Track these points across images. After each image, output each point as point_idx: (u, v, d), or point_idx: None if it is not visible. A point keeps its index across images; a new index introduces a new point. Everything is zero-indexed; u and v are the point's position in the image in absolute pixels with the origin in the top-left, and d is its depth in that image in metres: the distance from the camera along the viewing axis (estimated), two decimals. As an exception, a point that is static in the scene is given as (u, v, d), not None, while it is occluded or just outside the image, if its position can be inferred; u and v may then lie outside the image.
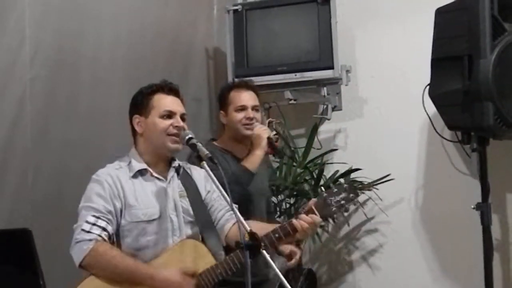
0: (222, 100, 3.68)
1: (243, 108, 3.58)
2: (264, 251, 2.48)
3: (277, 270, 2.48)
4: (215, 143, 3.68)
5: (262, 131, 3.55)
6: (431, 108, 4.11)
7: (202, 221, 3.03)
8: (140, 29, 4.17)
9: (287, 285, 2.43)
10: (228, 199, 2.55)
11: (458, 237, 4.40)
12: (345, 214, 3.06)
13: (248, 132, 3.57)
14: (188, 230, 2.99)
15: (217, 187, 2.64)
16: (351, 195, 2.96)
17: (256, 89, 3.70)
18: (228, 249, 3.04)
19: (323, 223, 3.90)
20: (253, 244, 2.41)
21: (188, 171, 3.11)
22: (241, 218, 2.52)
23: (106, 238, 2.78)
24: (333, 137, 4.81)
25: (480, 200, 3.98)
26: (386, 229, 4.68)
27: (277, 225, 2.94)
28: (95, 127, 3.75)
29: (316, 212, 2.90)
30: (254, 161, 3.49)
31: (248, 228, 2.47)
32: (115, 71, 3.92)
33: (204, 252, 2.90)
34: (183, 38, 4.57)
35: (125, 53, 4.02)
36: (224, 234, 3.06)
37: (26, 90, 3.40)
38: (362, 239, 4.74)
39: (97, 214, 2.78)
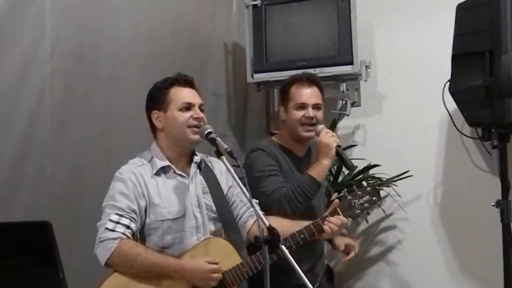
0: (283, 95, 3.51)
1: (303, 106, 3.39)
2: (283, 247, 2.48)
3: (299, 270, 2.47)
4: (274, 138, 3.54)
5: (331, 140, 3.29)
6: (451, 104, 4.08)
7: (225, 217, 3.03)
8: (159, 24, 4.17)
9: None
10: (248, 194, 2.54)
11: (477, 235, 4.36)
12: (368, 216, 3.04)
13: (306, 135, 3.40)
14: (211, 227, 3.00)
15: (238, 183, 2.64)
16: (374, 198, 2.98)
17: (320, 84, 3.49)
18: (250, 246, 3.04)
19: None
20: (272, 239, 2.41)
21: (209, 165, 3.10)
22: (260, 213, 2.51)
23: (130, 235, 2.78)
24: (352, 133, 4.78)
25: (500, 197, 3.94)
26: (405, 225, 4.65)
27: (302, 225, 2.95)
28: (113, 121, 3.75)
29: (341, 214, 2.92)
30: (321, 171, 3.27)
31: (267, 223, 2.46)
32: (133, 66, 3.93)
33: (230, 250, 2.91)
34: (202, 33, 4.56)
35: (143, 48, 4.02)
36: (246, 230, 3.07)
37: (45, 84, 3.41)
38: (381, 236, 4.71)
39: (120, 213, 2.78)
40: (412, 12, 4.61)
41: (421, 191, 4.59)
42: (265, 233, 2.41)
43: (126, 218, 2.78)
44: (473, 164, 4.44)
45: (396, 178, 4.28)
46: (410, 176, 4.35)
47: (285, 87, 3.51)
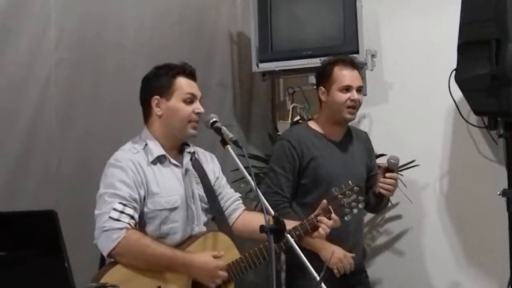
0: (324, 76, 3.48)
1: (348, 89, 3.40)
2: (288, 236, 2.48)
3: (303, 257, 2.48)
4: (310, 124, 3.57)
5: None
6: (457, 93, 4.07)
7: (216, 208, 3.02)
8: (164, 14, 4.16)
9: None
10: (254, 183, 2.54)
11: (484, 224, 4.35)
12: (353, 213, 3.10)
13: (350, 117, 3.45)
14: (204, 217, 3.00)
15: (242, 171, 2.64)
16: (360, 197, 3.00)
17: (359, 68, 3.54)
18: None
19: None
20: (277, 228, 2.41)
21: (197, 156, 3.06)
22: (265, 202, 2.51)
23: (134, 226, 2.75)
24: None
25: (506, 186, 3.94)
26: (411, 215, 4.64)
27: (297, 222, 2.94)
28: (119, 111, 3.75)
29: (333, 214, 2.93)
30: (307, 243, 3.16)
31: (273, 212, 2.46)
32: (138, 56, 3.92)
33: (230, 245, 2.91)
34: (207, 23, 4.55)
35: (148, 38, 4.02)
36: (231, 223, 3.06)
37: (51, 75, 3.41)
38: (387, 225, 4.71)
39: (124, 202, 2.73)
40: (418, 1, 4.59)
41: (427, 181, 4.58)
42: (271, 223, 2.41)
43: (130, 208, 2.73)
44: (479, 153, 4.43)
45: (402, 168, 4.27)
46: (416, 165, 4.34)
47: (326, 68, 3.49)
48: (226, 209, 3.08)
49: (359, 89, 3.44)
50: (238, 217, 3.08)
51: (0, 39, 3.20)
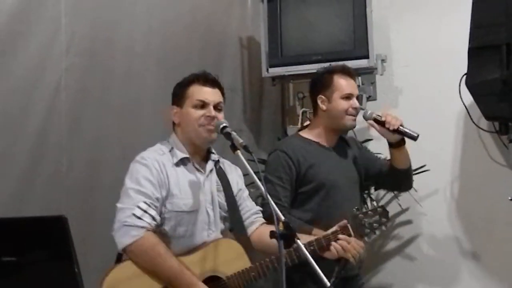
0: (324, 84, 3.45)
1: (349, 97, 3.40)
2: (299, 241, 2.47)
3: (313, 263, 2.47)
4: (301, 133, 3.54)
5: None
6: (468, 98, 4.06)
7: (235, 217, 3.03)
8: (174, 19, 4.17)
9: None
10: (263, 188, 2.53)
11: (494, 229, 4.34)
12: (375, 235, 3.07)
13: (352, 124, 3.42)
14: (221, 225, 3.01)
15: (252, 176, 2.64)
16: (383, 219, 2.98)
17: (355, 77, 3.56)
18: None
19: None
20: (287, 234, 2.40)
21: (222, 166, 3.10)
22: (276, 208, 2.50)
23: (154, 227, 2.78)
24: (368, 127, 4.76)
25: (517, 191, 3.92)
26: (421, 220, 4.63)
27: (313, 237, 2.93)
28: (128, 116, 3.76)
29: (351, 232, 2.91)
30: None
31: (283, 218, 2.45)
32: (148, 61, 3.94)
33: (240, 253, 2.91)
34: (217, 28, 4.56)
35: (158, 43, 4.03)
36: (247, 235, 3.06)
37: (61, 79, 3.43)
38: (397, 230, 4.70)
39: (148, 201, 2.77)
40: (428, 6, 4.59)
41: (438, 186, 4.57)
42: (281, 228, 2.40)
43: (153, 209, 2.77)
44: (490, 158, 4.41)
45: (413, 173, 4.25)
46: (426, 170, 4.32)
47: (325, 77, 3.48)
48: (244, 221, 3.09)
49: (357, 97, 3.47)
50: (255, 230, 3.08)
51: (11, 44, 3.21)
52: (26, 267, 2.00)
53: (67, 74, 3.45)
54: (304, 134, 3.53)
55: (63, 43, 3.45)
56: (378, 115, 3.33)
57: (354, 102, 3.40)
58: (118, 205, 2.80)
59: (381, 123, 3.33)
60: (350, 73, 3.47)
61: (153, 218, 2.77)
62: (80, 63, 3.53)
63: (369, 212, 2.97)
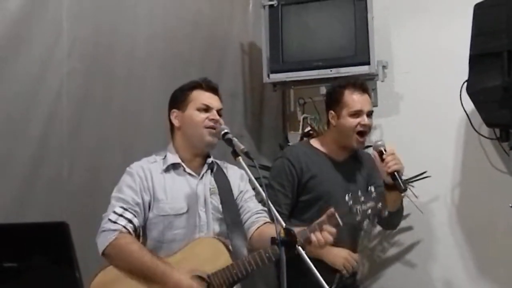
0: (334, 100, 3.41)
1: (358, 113, 3.32)
2: (300, 248, 2.46)
3: (316, 272, 2.46)
4: (312, 143, 3.52)
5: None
6: (469, 105, 4.06)
7: (231, 219, 3.02)
8: (176, 24, 4.18)
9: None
10: (265, 194, 2.53)
11: (495, 236, 4.33)
12: (372, 226, 2.89)
13: (358, 146, 3.38)
14: (216, 227, 3.00)
15: (253, 183, 2.64)
16: (379, 205, 2.78)
17: (370, 92, 3.46)
18: None
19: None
20: (288, 240, 2.40)
21: (224, 170, 3.11)
22: (277, 214, 2.49)
23: (131, 230, 2.82)
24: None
25: (517, 198, 3.92)
26: (422, 226, 4.62)
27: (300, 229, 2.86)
28: (130, 121, 3.77)
29: (339, 220, 2.73)
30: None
31: (284, 224, 2.45)
32: (150, 66, 3.94)
33: (221, 251, 2.88)
34: (218, 33, 4.57)
35: (160, 49, 4.03)
36: (248, 236, 3.05)
37: (63, 84, 3.43)
38: (397, 237, 4.69)
39: (125, 206, 2.83)
40: (429, 12, 4.59)
41: (439, 192, 4.56)
42: (282, 234, 2.40)
43: (130, 212, 2.83)
44: (490, 165, 4.41)
45: (413, 179, 4.26)
46: (427, 177, 4.32)
47: (336, 92, 3.43)
48: (245, 222, 3.07)
49: (369, 114, 3.37)
50: (256, 229, 3.05)
51: (13, 48, 3.21)
52: (27, 273, 2.00)
53: (68, 79, 3.45)
54: (315, 143, 3.52)
55: (65, 48, 3.45)
56: (384, 150, 3.19)
57: (363, 119, 3.33)
58: (103, 214, 2.87)
59: (382, 158, 3.20)
60: (362, 88, 3.39)
61: (129, 221, 2.82)
62: (82, 68, 3.53)
63: (362, 198, 2.75)
